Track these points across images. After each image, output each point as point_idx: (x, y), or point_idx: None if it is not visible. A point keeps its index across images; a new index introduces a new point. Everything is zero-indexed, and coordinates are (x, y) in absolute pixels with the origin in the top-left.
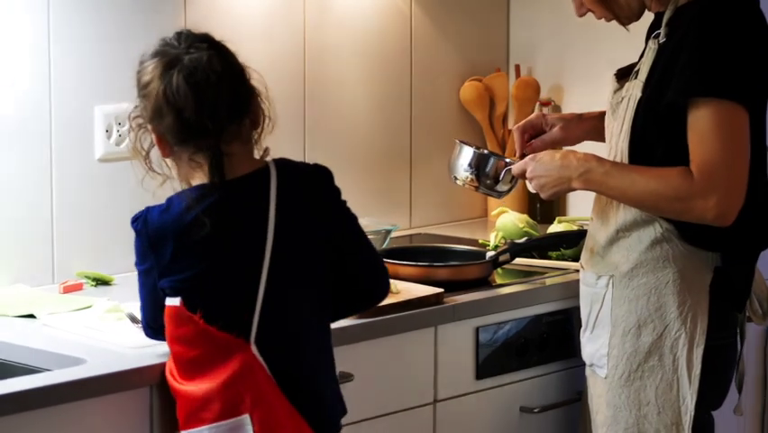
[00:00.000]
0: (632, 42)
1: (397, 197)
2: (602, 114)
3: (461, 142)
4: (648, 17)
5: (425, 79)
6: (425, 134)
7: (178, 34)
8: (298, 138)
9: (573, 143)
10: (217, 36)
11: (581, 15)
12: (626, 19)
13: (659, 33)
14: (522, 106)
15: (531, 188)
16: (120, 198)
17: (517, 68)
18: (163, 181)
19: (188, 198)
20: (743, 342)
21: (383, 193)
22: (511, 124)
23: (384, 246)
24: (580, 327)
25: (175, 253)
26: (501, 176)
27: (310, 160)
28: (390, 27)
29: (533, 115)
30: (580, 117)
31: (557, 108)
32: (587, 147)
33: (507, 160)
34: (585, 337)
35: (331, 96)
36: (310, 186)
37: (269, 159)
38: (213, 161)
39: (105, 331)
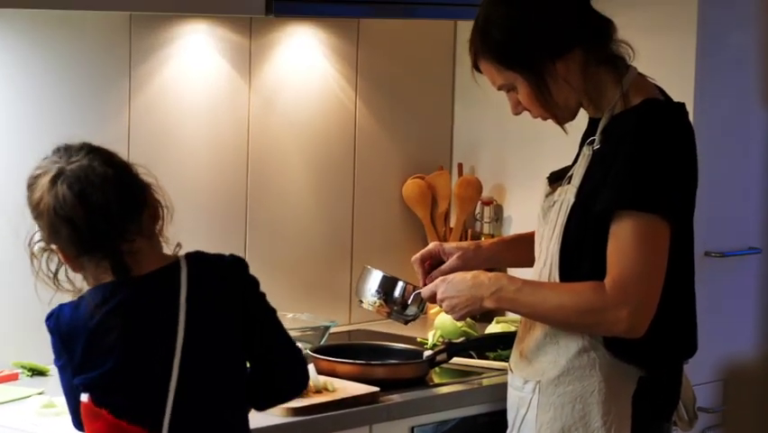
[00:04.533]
0: (575, 144)
1: (337, 292)
2: (502, 241)
3: (370, 267)
4: (583, 120)
5: (368, 175)
6: (367, 230)
7: (57, 149)
8: (239, 230)
9: (472, 270)
10: (161, 126)
11: (517, 113)
12: (562, 119)
13: (593, 140)
14: (464, 205)
15: (443, 310)
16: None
17: (460, 166)
18: (75, 295)
19: (96, 297)
20: None
21: (323, 288)
22: (453, 222)
23: (322, 342)
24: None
25: (85, 352)
26: (410, 300)
27: (251, 252)
28: (335, 122)
29: (430, 245)
30: (478, 246)
31: (499, 207)
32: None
33: (415, 285)
34: None
35: (273, 190)
36: (224, 277)
37: (181, 253)
38: (113, 261)
39: (45, 427)
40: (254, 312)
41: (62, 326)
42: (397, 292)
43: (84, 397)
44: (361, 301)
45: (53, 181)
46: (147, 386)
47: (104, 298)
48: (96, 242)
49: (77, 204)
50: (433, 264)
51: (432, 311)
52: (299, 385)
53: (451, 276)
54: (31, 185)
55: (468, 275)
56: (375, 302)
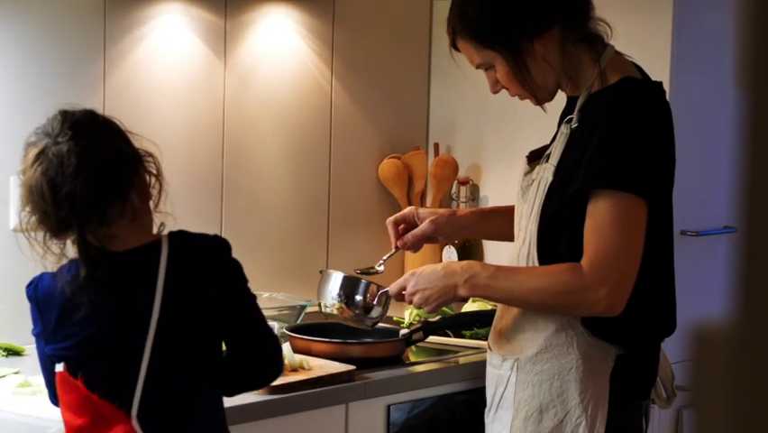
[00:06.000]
0: (550, 124)
1: (313, 271)
2: (478, 211)
3: (330, 270)
4: (561, 100)
5: (344, 155)
6: (343, 210)
7: (55, 116)
8: (215, 210)
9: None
10: (136, 106)
11: (495, 92)
12: (541, 98)
13: (571, 118)
14: (440, 184)
15: (413, 304)
16: (32, 267)
17: (436, 146)
18: (58, 261)
19: (71, 270)
20: (647, 424)
21: (300, 267)
22: (429, 202)
23: (299, 321)
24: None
25: (58, 322)
26: (375, 300)
27: (227, 232)
28: (310, 102)
29: (406, 209)
30: (453, 214)
31: (475, 187)
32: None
33: (379, 285)
34: (489, 417)
35: (249, 170)
36: (205, 258)
37: (164, 233)
38: (79, 247)
39: (20, 405)
40: (234, 296)
41: (39, 294)
42: (359, 294)
43: (59, 367)
44: (324, 306)
45: (35, 159)
46: (118, 362)
47: (78, 272)
48: (62, 229)
49: (46, 192)
50: (406, 228)
51: None
52: (272, 374)
53: (420, 269)
54: (25, 149)
55: (438, 266)
56: (335, 304)
